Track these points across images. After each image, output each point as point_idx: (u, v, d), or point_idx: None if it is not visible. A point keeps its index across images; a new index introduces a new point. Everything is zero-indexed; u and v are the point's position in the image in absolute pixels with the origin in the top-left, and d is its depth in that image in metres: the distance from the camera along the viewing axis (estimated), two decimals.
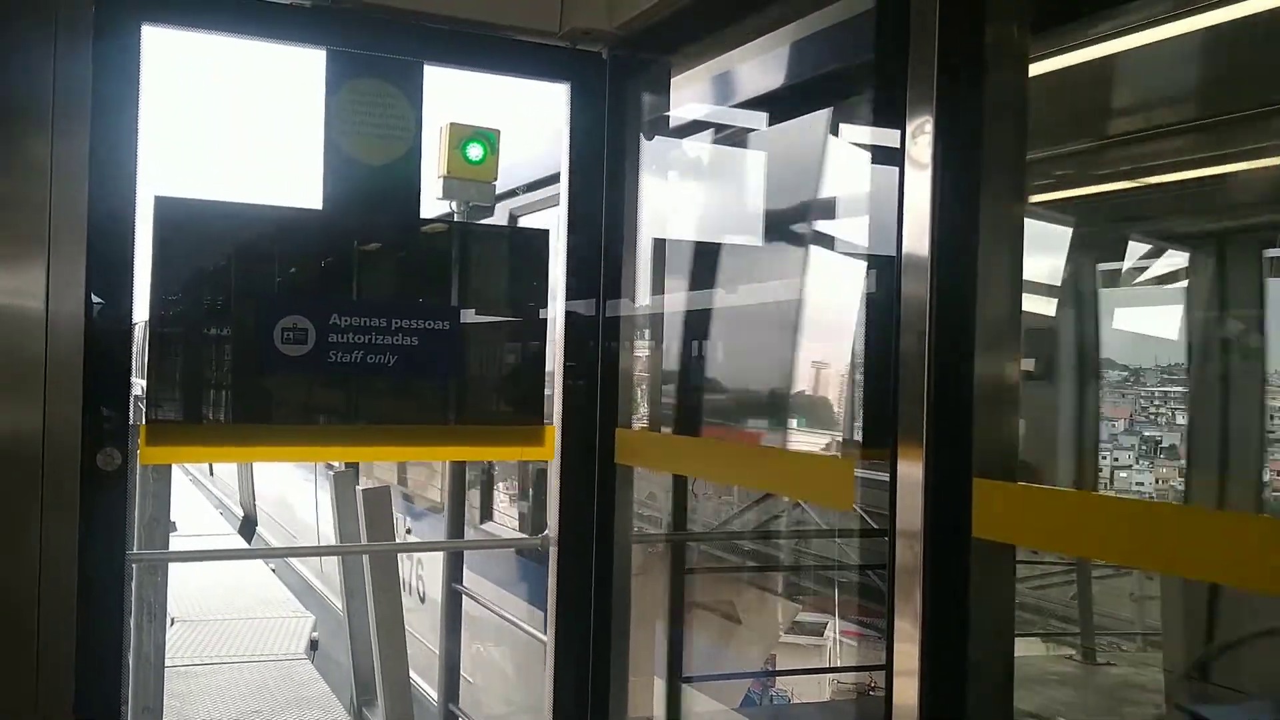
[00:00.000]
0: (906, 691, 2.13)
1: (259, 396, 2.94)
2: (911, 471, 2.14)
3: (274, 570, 13.33)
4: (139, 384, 2.74)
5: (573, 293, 3.26)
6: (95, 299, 2.57)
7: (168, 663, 7.72)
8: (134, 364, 2.70)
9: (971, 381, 2.08)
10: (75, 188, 2.54)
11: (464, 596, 5.46)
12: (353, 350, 2.92)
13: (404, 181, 3.03)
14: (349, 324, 2.92)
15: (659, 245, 3.58)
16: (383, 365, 2.96)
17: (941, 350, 2.09)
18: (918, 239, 2.12)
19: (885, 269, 2.23)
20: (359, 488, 5.79)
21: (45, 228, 2.50)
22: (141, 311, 2.72)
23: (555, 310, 3.28)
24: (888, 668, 2.18)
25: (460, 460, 5.39)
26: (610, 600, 3.27)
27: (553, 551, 3.31)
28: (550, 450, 3.24)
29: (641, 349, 3.45)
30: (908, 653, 2.14)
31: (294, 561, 13.45)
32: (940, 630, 2.09)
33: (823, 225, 3.34)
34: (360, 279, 3.03)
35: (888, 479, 2.17)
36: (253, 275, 2.95)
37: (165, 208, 2.77)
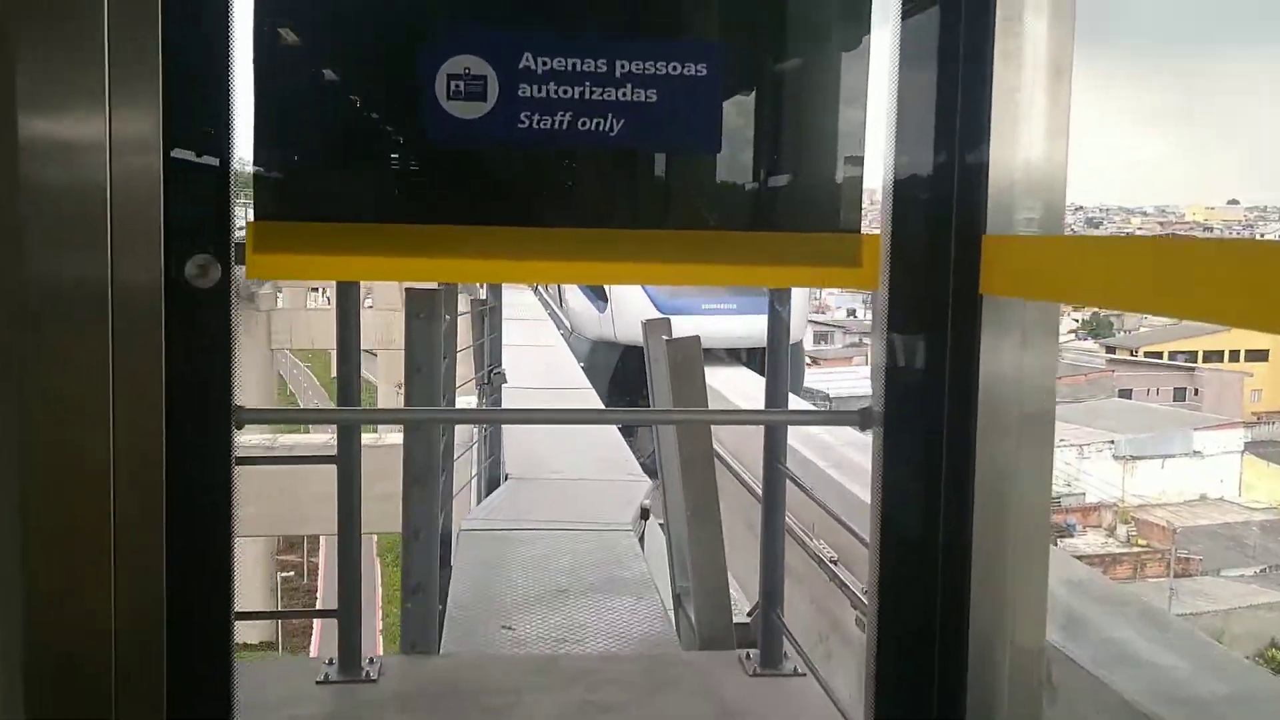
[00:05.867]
0: None
1: (413, 182, 1.97)
2: None
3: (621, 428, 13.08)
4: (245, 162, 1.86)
5: (911, 9, 2.00)
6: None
7: (494, 526, 7.46)
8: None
9: None
10: None
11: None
12: (555, 109, 1.88)
13: None
14: (548, 68, 1.87)
15: None
16: (601, 133, 1.90)
17: None
18: None
19: None
20: (665, 337, 4.79)
21: None
22: (244, 58, 1.82)
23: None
24: None
25: (748, 285, 4.26)
26: (964, 497, 2.08)
27: (876, 431, 2.16)
28: (871, 275, 2.07)
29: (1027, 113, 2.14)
30: None
31: None
32: None
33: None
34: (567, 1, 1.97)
35: None
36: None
37: None
